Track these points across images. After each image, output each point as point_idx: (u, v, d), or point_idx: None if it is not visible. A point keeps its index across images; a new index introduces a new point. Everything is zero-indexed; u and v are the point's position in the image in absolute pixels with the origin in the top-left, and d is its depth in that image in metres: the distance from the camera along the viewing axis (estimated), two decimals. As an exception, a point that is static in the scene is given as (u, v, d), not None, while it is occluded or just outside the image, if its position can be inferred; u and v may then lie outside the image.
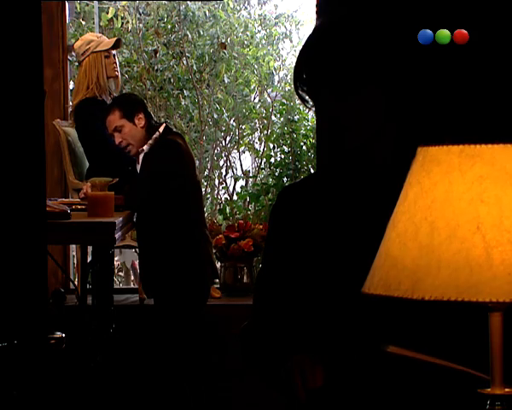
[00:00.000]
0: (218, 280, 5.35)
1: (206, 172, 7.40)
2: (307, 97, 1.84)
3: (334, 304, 1.80)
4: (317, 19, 3.57)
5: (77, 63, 5.38)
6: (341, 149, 1.81)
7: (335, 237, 1.83)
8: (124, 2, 7.34)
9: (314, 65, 1.79)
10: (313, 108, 1.86)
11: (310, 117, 6.74)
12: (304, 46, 1.84)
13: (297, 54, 1.89)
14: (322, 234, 1.84)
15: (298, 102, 6.77)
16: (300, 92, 1.84)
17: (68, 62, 5.92)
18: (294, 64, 1.85)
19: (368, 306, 1.64)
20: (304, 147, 6.66)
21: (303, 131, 6.68)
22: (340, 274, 1.79)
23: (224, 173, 7.57)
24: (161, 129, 4.50)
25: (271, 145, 7.03)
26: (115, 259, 6.56)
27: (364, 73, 1.77)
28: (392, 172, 1.75)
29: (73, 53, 5.59)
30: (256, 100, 7.60)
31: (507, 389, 1.27)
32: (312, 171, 6.48)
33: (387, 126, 1.82)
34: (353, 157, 1.81)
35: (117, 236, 3.65)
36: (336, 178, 1.87)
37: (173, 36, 7.31)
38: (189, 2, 7.27)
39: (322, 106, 1.81)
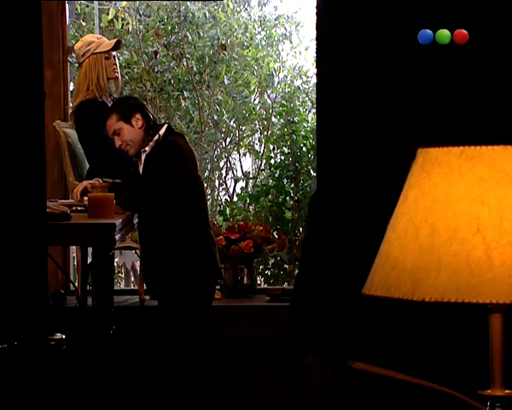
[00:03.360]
0: (221, 281, 5.35)
1: (206, 174, 7.41)
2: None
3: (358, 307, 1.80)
4: (317, 20, 3.56)
5: (77, 64, 5.38)
6: (365, 152, 1.81)
7: (367, 243, 1.83)
8: (124, 4, 7.34)
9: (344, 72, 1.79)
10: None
11: (310, 118, 6.75)
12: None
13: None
14: (359, 239, 1.84)
15: (298, 103, 6.78)
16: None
17: (68, 64, 5.92)
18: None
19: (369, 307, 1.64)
20: (304, 148, 6.67)
21: (303, 133, 6.68)
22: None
23: (224, 175, 7.57)
24: (163, 130, 4.50)
25: (271, 146, 7.03)
26: (115, 260, 6.56)
27: (393, 80, 1.78)
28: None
29: (73, 54, 5.59)
30: (256, 101, 7.60)
31: (507, 391, 1.27)
32: (312, 172, 6.48)
33: (416, 132, 1.83)
34: (377, 161, 1.82)
35: (117, 237, 3.65)
36: (363, 184, 1.88)
37: (173, 37, 7.32)
38: (188, 3, 7.28)
39: (351, 110, 1.81)
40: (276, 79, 7.63)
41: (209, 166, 7.48)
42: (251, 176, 7.44)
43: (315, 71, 6.00)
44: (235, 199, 7.00)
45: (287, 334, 1.94)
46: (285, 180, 6.62)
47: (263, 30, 7.71)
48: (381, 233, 1.78)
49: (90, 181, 4.51)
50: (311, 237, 1.97)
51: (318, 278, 1.90)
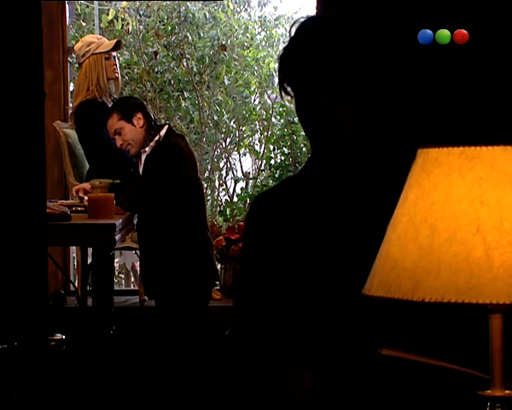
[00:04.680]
0: (218, 282, 5.35)
1: (206, 174, 7.41)
2: (289, 89, 1.82)
3: (323, 307, 1.79)
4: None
5: (77, 65, 5.38)
6: (328, 150, 1.79)
7: (319, 241, 1.81)
8: (124, 4, 7.34)
9: (309, 61, 1.76)
10: (292, 101, 1.83)
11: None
12: (296, 37, 1.81)
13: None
14: (306, 238, 1.82)
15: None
16: (285, 85, 1.82)
17: (68, 64, 5.92)
18: (283, 51, 1.82)
19: (364, 307, 1.63)
20: (304, 149, 6.67)
21: (303, 133, 6.67)
22: (325, 277, 1.78)
23: (224, 175, 7.57)
24: (163, 131, 4.49)
25: (271, 147, 7.03)
26: (115, 260, 6.56)
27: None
28: (386, 174, 1.76)
29: (74, 55, 5.59)
30: (256, 102, 7.60)
31: (507, 391, 1.27)
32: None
33: (374, 127, 1.81)
34: (340, 159, 1.80)
35: (117, 237, 3.64)
36: (320, 181, 1.85)
37: (173, 38, 7.32)
38: (189, 3, 7.28)
39: (312, 103, 1.77)
40: (277, 80, 7.62)
41: (209, 167, 7.48)
42: (251, 176, 7.45)
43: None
44: (236, 199, 7.00)
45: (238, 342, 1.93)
46: (285, 180, 6.61)
47: (263, 30, 7.71)
48: (381, 234, 1.78)
49: (90, 182, 4.52)
50: (249, 241, 1.94)
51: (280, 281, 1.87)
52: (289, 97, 1.83)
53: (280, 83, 1.81)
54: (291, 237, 1.83)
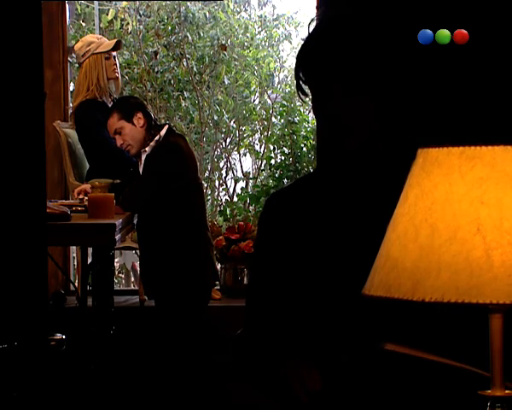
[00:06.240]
0: (218, 282, 5.35)
1: (206, 174, 7.41)
2: (305, 88, 1.82)
3: (331, 307, 1.79)
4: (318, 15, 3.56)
5: (77, 65, 5.39)
6: (340, 149, 1.80)
7: (330, 240, 1.82)
8: (124, 4, 7.34)
9: (326, 59, 1.76)
10: (310, 102, 1.84)
11: (310, 119, 6.75)
12: (313, 35, 1.81)
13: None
14: (318, 237, 1.83)
15: (298, 103, 6.78)
16: (301, 83, 1.82)
17: (68, 64, 5.93)
18: (300, 49, 1.82)
19: (366, 307, 1.63)
20: (304, 148, 6.67)
21: (303, 133, 6.68)
22: (336, 276, 1.79)
23: (224, 175, 7.57)
24: (164, 131, 4.50)
25: (272, 147, 7.03)
26: (115, 260, 6.56)
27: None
28: (388, 174, 1.76)
29: (74, 54, 5.59)
30: (256, 101, 7.60)
31: (507, 391, 1.27)
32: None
33: (385, 128, 1.82)
34: (352, 158, 1.80)
35: (117, 237, 3.64)
36: (332, 181, 1.86)
37: (173, 37, 7.32)
38: (189, 3, 7.28)
39: (327, 102, 1.78)
40: (277, 80, 7.64)
41: (209, 167, 7.48)
42: (251, 176, 7.45)
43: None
44: (236, 199, 7.01)
45: (251, 342, 1.93)
46: (285, 180, 6.62)
47: (263, 30, 7.71)
48: (380, 233, 1.78)
49: (90, 182, 4.52)
50: (263, 239, 1.94)
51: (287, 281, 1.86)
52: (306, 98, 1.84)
53: (297, 82, 1.81)
54: (303, 237, 1.83)
